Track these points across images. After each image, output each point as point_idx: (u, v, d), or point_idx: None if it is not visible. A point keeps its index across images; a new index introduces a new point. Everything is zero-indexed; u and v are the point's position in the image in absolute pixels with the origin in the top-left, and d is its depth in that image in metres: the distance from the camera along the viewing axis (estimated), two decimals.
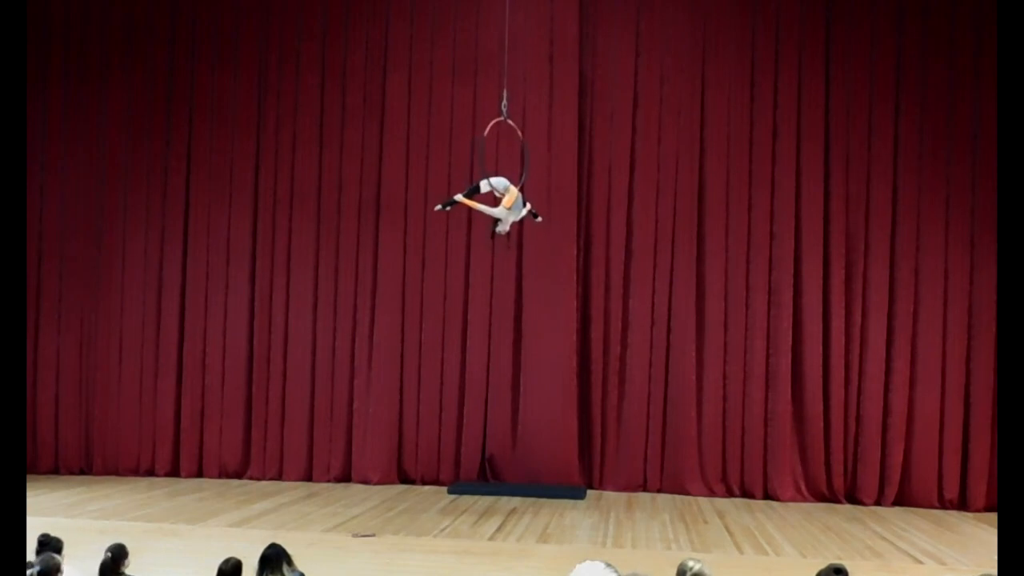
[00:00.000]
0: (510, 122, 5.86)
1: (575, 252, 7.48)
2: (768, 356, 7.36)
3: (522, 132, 7.65)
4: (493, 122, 5.81)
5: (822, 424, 7.30)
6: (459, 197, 5.80)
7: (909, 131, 7.13)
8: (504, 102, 5.85)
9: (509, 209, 5.76)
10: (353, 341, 7.72)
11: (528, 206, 5.99)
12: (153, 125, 7.77)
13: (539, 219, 6.24)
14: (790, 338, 7.30)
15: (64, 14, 7.75)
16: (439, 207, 6.01)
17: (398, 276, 7.67)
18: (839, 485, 7.32)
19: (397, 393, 7.66)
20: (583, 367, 7.63)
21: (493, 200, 5.90)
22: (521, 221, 7.58)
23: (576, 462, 7.48)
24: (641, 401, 7.53)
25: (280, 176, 7.75)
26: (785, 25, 7.27)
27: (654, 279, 7.49)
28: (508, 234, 5.97)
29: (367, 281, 7.70)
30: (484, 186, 5.77)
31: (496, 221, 5.81)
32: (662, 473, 7.53)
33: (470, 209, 7.62)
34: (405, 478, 7.66)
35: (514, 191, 5.78)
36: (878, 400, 7.28)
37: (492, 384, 7.60)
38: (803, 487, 7.33)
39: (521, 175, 5.98)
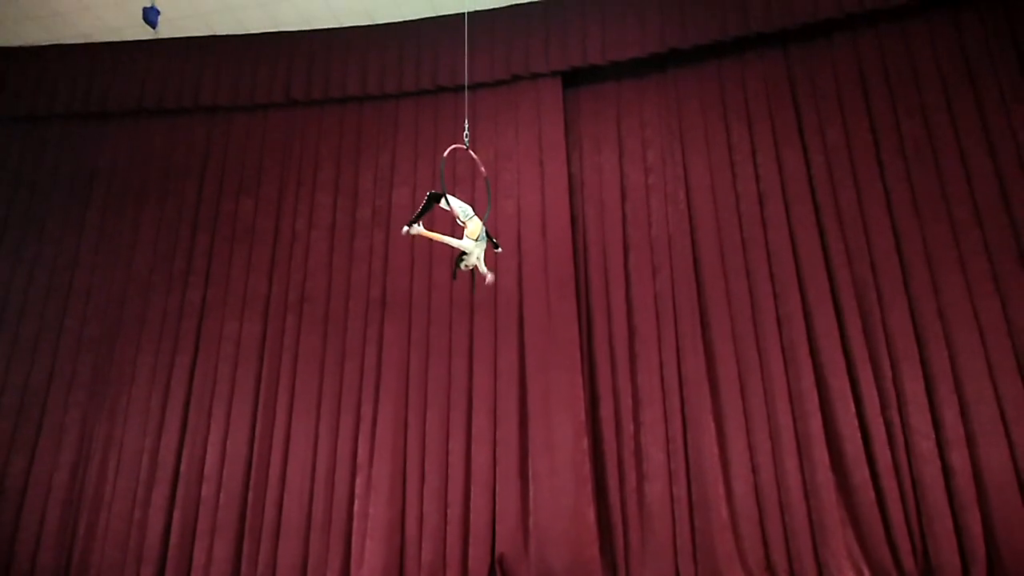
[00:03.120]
0: (472, 153, 5.43)
1: (577, 331, 6.75)
2: (795, 419, 6.16)
3: (519, 226, 7.90)
4: (450, 148, 5.40)
5: (873, 493, 5.82)
6: (419, 229, 5.04)
7: (898, 182, 6.54)
8: (466, 132, 5.54)
9: (476, 241, 5.17)
10: (356, 438, 6.88)
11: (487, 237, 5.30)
12: (177, 248, 7.68)
13: (499, 250, 5.55)
14: (815, 397, 6.15)
15: (112, 157, 8.12)
16: (408, 230, 5.08)
17: (402, 369, 7.02)
18: (909, 565, 5.58)
19: (400, 489, 6.64)
20: (596, 448, 6.52)
21: (453, 224, 5.24)
22: (520, 305, 7.52)
23: (597, 556, 6.05)
24: (662, 481, 6.25)
25: (292, 284, 7.45)
26: (755, 108, 7.10)
27: (660, 352, 6.64)
28: (474, 271, 5.22)
29: (371, 376, 7.04)
30: (443, 204, 5.15)
31: (460, 256, 5.17)
32: (696, 564, 5.96)
33: (471, 295, 7.68)
34: None
35: (478, 221, 5.18)
36: (934, 460, 5.79)
37: (500, 473, 6.51)
38: (865, 570, 5.67)
39: (486, 212, 5.53)
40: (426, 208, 5.17)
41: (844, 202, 6.69)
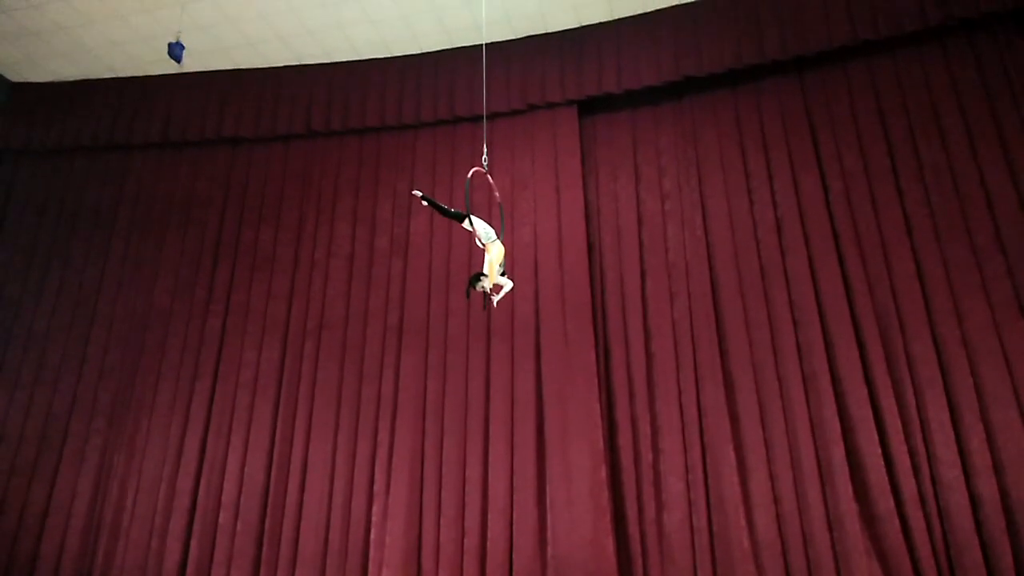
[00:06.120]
0: (489, 178, 5.41)
1: (594, 358, 6.69)
2: (817, 449, 6.03)
3: (535, 253, 7.84)
4: (473, 170, 5.33)
5: (898, 523, 5.67)
6: (466, 216, 4.93)
7: (917, 208, 6.45)
8: (484, 158, 5.44)
9: (501, 266, 5.09)
10: (372, 466, 6.84)
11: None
12: (198, 277, 7.77)
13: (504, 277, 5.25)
14: (837, 426, 6.02)
15: (136, 188, 8.28)
16: (420, 195, 5.15)
17: (419, 396, 6.99)
18: None
19: (417, 517, 6.57)
20: (614, 477, 6.43)
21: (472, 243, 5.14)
22: (537, 332, 7.44)
23: None
24: (682, 510, 6.13)
25: (311, 311, 7.49)
26: (771, 135, 7.06)
27: (679, 379, 6.56)
28: (487, 293, 5.07)
29: (388, 403, 7.03)
30: (465, 224, 5.11)
31: (477, 276, 5.09)
32: None
33: (488, 322, 7.62)
34: None
35: (500, 246, 5.12)
36: (961, 490, 5.64)
37: (517, 502, 6.40)
38: None
39: (500, 236, 5.30)
40: (444, 211, 5.22)
41: (863, 228, 6.65)
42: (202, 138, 8.38)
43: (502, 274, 5.31)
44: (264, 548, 6.77)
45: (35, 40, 8.07)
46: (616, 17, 7.71)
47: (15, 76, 8.71)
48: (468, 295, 5.22)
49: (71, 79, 8.69)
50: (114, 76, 8.62)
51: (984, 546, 5.58)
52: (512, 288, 5.20)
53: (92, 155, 8.70)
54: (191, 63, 7.97)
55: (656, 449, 6.51)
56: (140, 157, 8.60)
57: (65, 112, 8.60)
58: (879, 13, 6.84)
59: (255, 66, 8.39)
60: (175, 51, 7.18)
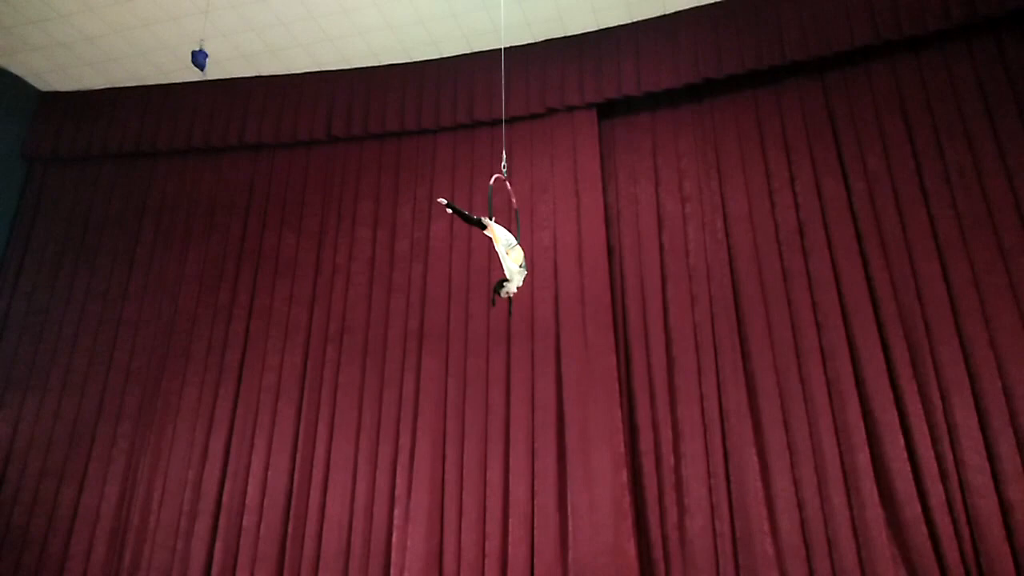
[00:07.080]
0: (508, 184, 5.40)
1: (615, 362, 6.62)
2: (841, 453, 5.91)
3: (555, 257, 7.79)
4: (495, 177, 5.29)
5: (925, 529, 5.54)
6: (487, 223, 4.86)
7: (942, 209, 6.30)
8: (503, 164, 5.48)
9: (520, 268, 4.99)
10: (394, 469, 6.82)
11: None
12: (222, 281, 7.80)
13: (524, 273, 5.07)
14: (863, 431, 5.89)
15: (161, 194, 8.36)
16: (445, 203, 4.86)
17: (440, 400, 6.96)
18: None
19: (438, 521, 6.53)
20: (636, 482, 6.34)
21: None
22: (557, 336, 7.37)
23: None
24: (704, 515, 6.05)
25: (332, 315, 7.49)
26: (793, 136, 6.94)
27: (700, 383, 6.46)
28: (511, 298, 4.98)
29: (409, 407, 7.00)
30: (487, 231, 4.99)
31: (500, 282, 4.97)
32: None
33: (508, 326, 7.55)
34: None
35: (520, 251, 5.03)
36: (990, 496, 5.49)
37: (538, 506, 6.34)
38: None
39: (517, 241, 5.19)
40: (468, 217, 5.07)
41: (887, 229, 6.53)
42: (225, 144, 8.44)
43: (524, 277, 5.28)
44: (287, 550, 6.78)
45: (63, 50, 8.15)
46: (635, 19, 7.62)
47: (43, 85, 8.81)
48: (493, 302, 5.14)
49: (97, 88, 8.78)
50: (139, 84, 8.68)
51: (1015, 553, 5.45)
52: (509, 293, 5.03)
53: (118, 162, 8.78)
54: (214, 71, 8.02)
55: (678, 453, 6.43)
56: (164, 164, 8.67)
57: (91, 120, 8.69)
58: (902, 12, 6.70)
59: (276, 73, 8.42)
60: (198, 59, 7.19)
